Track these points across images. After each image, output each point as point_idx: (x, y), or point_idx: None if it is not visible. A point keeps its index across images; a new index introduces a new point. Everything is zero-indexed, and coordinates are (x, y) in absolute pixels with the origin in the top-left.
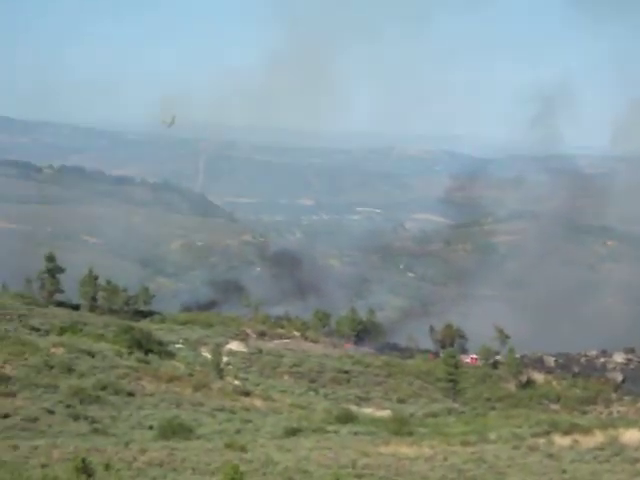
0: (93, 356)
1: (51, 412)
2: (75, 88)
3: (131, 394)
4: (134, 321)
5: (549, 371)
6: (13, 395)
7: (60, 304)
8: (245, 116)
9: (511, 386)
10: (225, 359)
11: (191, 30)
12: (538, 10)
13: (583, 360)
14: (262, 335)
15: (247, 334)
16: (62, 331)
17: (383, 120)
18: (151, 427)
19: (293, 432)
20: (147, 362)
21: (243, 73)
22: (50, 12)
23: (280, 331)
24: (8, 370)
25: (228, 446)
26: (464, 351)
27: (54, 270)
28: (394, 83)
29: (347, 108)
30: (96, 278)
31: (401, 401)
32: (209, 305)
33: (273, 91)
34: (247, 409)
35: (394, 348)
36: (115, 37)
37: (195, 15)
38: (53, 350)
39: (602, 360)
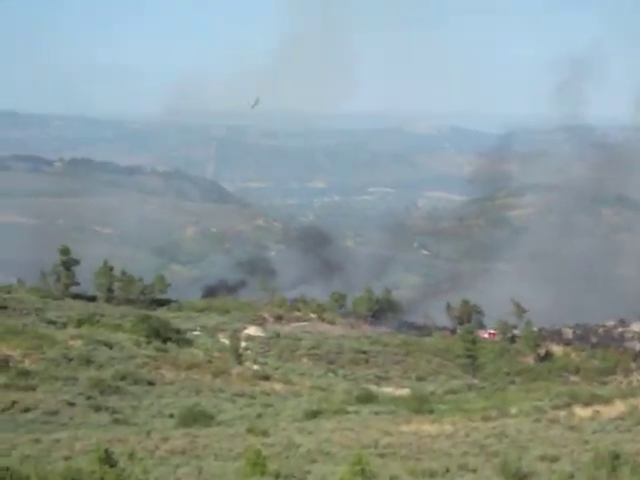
0: (111, 347)
1: (72, 404)
2: (81, 80)
3: (151, 383)
4: (151, 310)
5: (567, 343)
6: (33, 389)
7: (76, 296)
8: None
9: (530, 360)
10: (243, 344)
11: (201, 20)
12: None
13: (601, 331)
14: (279, 319)
15: (264, 318)
16: (79, 323)
17: (391, 99)
18: (172, 415)
19: (314, 414)
20: (165, 350)
21: (255, 57)
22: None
23: (297, 314)
24: (27, 364)
25: (250, 431)
26: (481, 327)
27: (69, 263)
28: (403, 61)
29: (355, 89)
30: (111, 269)
31: (420, 379)
32: (234, 287)
33: (283, 74)
34: (267, 393)
35: (411, 326)
36: (117, 28)
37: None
38: (71, 342)
39: (620, 330)
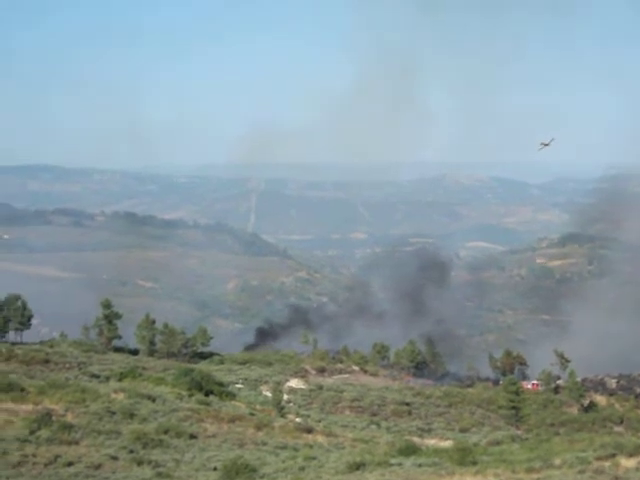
0: (154, 400)
1: (114, 458)
2: (124, 135)
3: (193, 436)
4: (193, 363)
5: (611, 393)
6: (76, 443)
7: (118, 350)
8: (294, 154)
9: (574, 410)
10: (286, 397)
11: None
12: None
13: None
14: (321, 371)
15: (306, 371)
16: (122, 376)
17: (438, 150)
18: (215, 468)
19: (357, 466)
20: (208, 404)
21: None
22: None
23: (339, 366)
24: (70, 418)
25: None
26: (525, 377)
27: (111, 316)
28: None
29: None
30: (153, 322)
31: (464, 430)
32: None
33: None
34: (310, 446)
35: (454, 377)
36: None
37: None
38: (114, 396)
39: None
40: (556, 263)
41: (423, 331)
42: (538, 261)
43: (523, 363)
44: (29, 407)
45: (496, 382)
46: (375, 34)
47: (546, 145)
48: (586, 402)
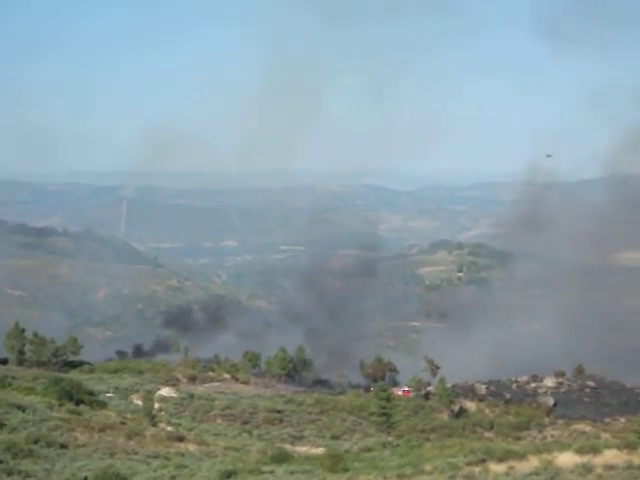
0: (24, 410)
1: None
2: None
3: (64, 446)
4: (63, 372)
5: (481, 399)
6: None
7: None
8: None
9: (444, 416)
10: (157, 405)
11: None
12: None
13: (514, 386)
14: (193, 379)
15: (178, 379)
16: None
17: (300, 158)
18: (86, 478)
19: (229, 475)
20: (78, 413)
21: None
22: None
23: (210, 374)
24: None
25: None
26: (396, 384)
27: None
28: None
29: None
30: (23, 331)
31: (335, 437)
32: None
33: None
34: (182, 454)
35: (325, 385)
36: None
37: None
38: None
39: (533, 385)
40: (426, 270)
41: (295, 338)
42: (409, 268)
43: (394, 370)
44: None
45: (367, 389)
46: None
47: (549, 156)
48: (456, 408)
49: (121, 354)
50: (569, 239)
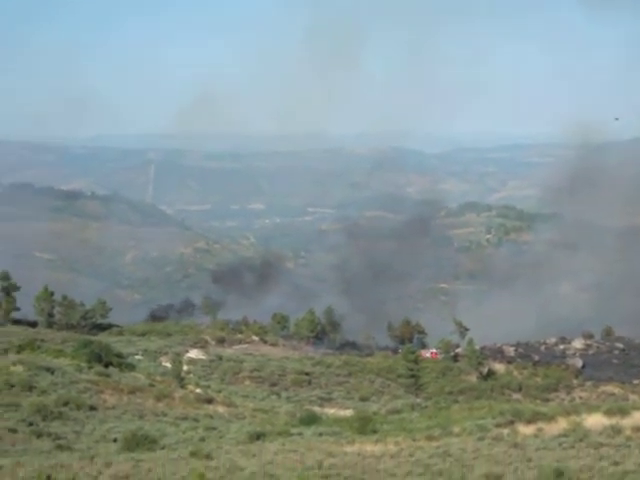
0: (53, 372)
1: (13, 431)
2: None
3: (93, 408)
4: (92, 335)
5: (509, 361)
6: None
7: (17, 322)
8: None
9: (472, 378)
10: (185, 368)
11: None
12: None
13: (542, 348)
14: (221, 342)
15: (206, 341)
16: (20, 349)
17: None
18: (115, 440)
19: (257, 437)
20: (107, 375)
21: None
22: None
23: (239, 336)
24: None
25: (193, 454)
26: (424, 346)
27: (9, 288)
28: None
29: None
30: (52, 294)
31: (363, 399)
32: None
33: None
34: (210, 416)
35: (353, 347)
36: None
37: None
38: (12, 368)
39: (561, 347)
40: (455, 232)
41: (329, 302)
42: (439, 230)
43: (422, 332)
44: None
45: (395, 351)
46: None
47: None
48: (484, 370)
49: (156, 317)
50: (610, 201)
